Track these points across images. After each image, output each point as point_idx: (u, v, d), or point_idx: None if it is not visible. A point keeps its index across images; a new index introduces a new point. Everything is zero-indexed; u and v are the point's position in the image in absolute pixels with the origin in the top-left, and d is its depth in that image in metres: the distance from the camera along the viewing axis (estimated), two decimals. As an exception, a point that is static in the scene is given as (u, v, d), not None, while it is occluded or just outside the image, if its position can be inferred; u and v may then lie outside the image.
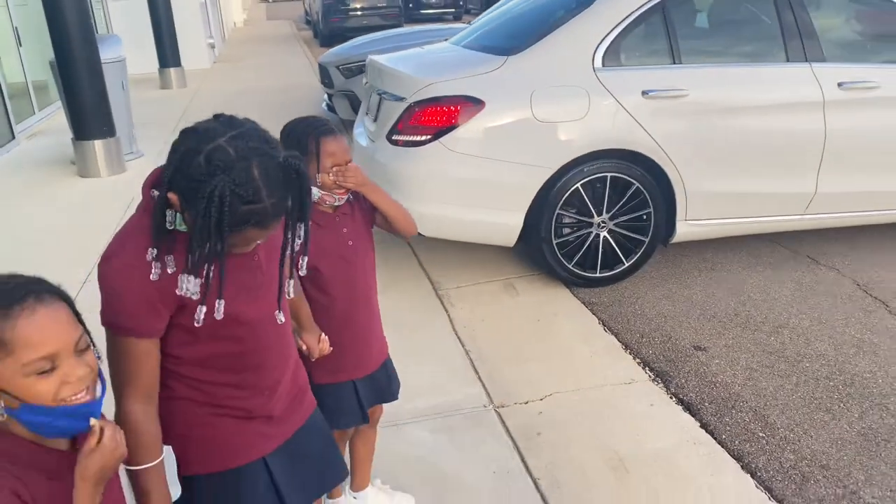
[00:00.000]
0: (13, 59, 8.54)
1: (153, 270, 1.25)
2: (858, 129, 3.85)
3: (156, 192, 1.29)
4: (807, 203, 3.94)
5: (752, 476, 2.46)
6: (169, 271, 1.27)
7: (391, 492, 2.36)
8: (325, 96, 7.91)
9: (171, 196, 1.24)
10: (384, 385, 2.11)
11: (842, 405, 2.85)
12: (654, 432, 2.70)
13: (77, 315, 1.11)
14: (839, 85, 3.81)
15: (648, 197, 3.76)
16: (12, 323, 1.02)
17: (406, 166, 3.65)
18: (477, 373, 3.11)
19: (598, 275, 3.88)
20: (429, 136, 3.57)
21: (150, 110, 9.23)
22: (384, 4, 17.68)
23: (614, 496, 2.38)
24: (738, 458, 2.55)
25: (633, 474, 2.48)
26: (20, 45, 8.67)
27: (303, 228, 1.34)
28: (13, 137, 7.72)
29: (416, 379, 3.02)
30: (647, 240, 3.86)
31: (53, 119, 8.90)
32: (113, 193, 5.81)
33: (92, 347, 1.12)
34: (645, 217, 3.81)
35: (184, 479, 1.41)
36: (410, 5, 21.41)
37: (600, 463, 2.54)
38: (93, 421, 1.08)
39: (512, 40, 3.87)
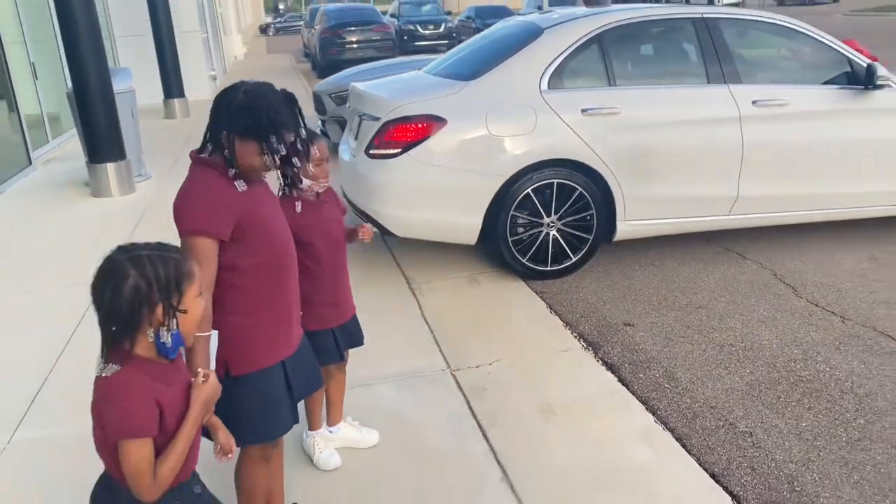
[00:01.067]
0: (30, 91, 9.25)
1: (236, 184, 1.90)
2: (772, 140, 4.47)
3: (218, 139, 1.90)
4: (730, 205, 4.54)
5: (654, 414, 3.03)
6: (240, 189, 1.91)
7: (359, 427, 2.92)
8: (319, 122, 8.59)
9: (224, 135, 1.87)
10: (355, 332, 2.72)
11: (738, 365, 3.43)
12: (580, 386, 3.27)
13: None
14: (753, 102, 4.44)
15: (591, 200, 4.37)
16: (190, 260, 1.55)
17: (381, 176, 4.27)
18: (439, 346, 3.69)
19: (549, 268, 4.47)
20: (400, 150, 4.20)
21: (155, 137, 9.89)
22: (378, 38, 18.49)
23: (540, 430, 2.95)
24: (644, 402, 3.13)
25: (558, 416, 3.05)
26: (36, 78, 9.37)
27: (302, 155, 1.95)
28: (30, 163, 8.38)
29: (387, 351, 3.60)
30: (591, 238, 4.46)
31: (65, 147, 9.59)
32: (124, 211, 6.42)
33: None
34: (588, 218, 4.41)
35: (228, 379, 2.00)
36: (405, 38, 22.29)
37: (533, 409, 3.11)
38: (202, 370, 1.67)
39: (471, 68, 4.52)
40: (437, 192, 4.24)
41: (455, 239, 4.43)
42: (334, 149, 7.89)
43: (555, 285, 4.44)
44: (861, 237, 5.02)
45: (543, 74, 4.33)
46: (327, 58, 17.83)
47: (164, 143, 9.48)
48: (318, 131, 8.60)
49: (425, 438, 2.93)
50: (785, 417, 2.99)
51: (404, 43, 21.71)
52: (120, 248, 1.50)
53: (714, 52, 4.50)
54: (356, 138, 4.71)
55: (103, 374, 1.49)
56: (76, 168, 8.18)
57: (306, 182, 2.43)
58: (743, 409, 3.06)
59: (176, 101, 12.25)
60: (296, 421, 2.18)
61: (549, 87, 4.31)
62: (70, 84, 6.89)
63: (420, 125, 4.19)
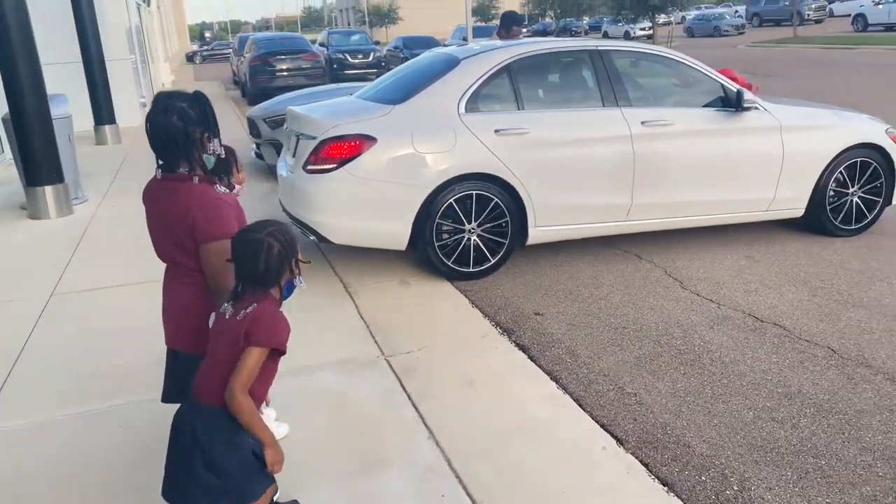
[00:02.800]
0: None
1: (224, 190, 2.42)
2: (659, 155, 5.17)
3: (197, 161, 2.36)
4: (626, 212, 5.21)
5: (556, 382, 3.59)
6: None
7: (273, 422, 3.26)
8: (254, 145, 8.98)
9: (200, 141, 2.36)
10: None
11: (629, 342, 4.03)
12: (495, 363, 3.80)
13: None
14: (642, 123, 5.13)
15: (505, 209, 4.95)
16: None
17: (318, 189, 4.74)
18: (374, 337, 4.16)
19: (471, 269, 5.02)
20: (335, 165, 4.69)
21: (89, 163, 10.05)
22: (308, 66, 18.89)
23: (462, 398, 3.45)
24: (549, 374, 3.68)
25: (477, 386, 3.56)
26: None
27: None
28: (-37, 187, 8.45)
29: (327, 344, 4.05)
30: (507, 242, 5.04)
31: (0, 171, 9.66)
32: (64, 232, 6.66)
33: None
34: (504, 224, 4.99)
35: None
36: (335, 66, 22.81)
37: (456, 383, 3.62)
38: None
39: (398, 94, 5.07)
40: (370, 203, 4.74)
41: (387, 245, 4.92)
42: (270, 170, 8.30)
43: (476, 284, 4.99)
44: (741, 239, 5.78)
45: (461, 99, 4.91)
46: (258, 85, 18.10)
47: (99, 168, 9.68)
48: (253, 154, 9.02)
49: (364, 410, 3.39)
50: (664, 381, 3.60)
51: (334, 71, 22.20)
52: (248, 230, 2.14)
53: (608, 80, 5.18)
54: (294, 156, 5.17)
55: (249, 309, 2.08)
56: (11, 193, 8.33)
57: (238, 188, 2.73)
58: (630, 377, 3.65)
59: (107, 128, 12.38)
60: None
61: (466, 111, 4.89)
62: (7, 109, 7.11)
63: (353, 143, 4.69)
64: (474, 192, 4.88)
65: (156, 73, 23.77)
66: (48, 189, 7.23)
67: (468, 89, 4.94)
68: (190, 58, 50.05)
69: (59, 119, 7.65)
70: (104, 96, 12.42)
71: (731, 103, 5.36)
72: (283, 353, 2.13)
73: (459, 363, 3.81)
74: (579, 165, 5.02)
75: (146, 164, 9.73)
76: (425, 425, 3.26)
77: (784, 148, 5.45)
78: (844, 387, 3.48)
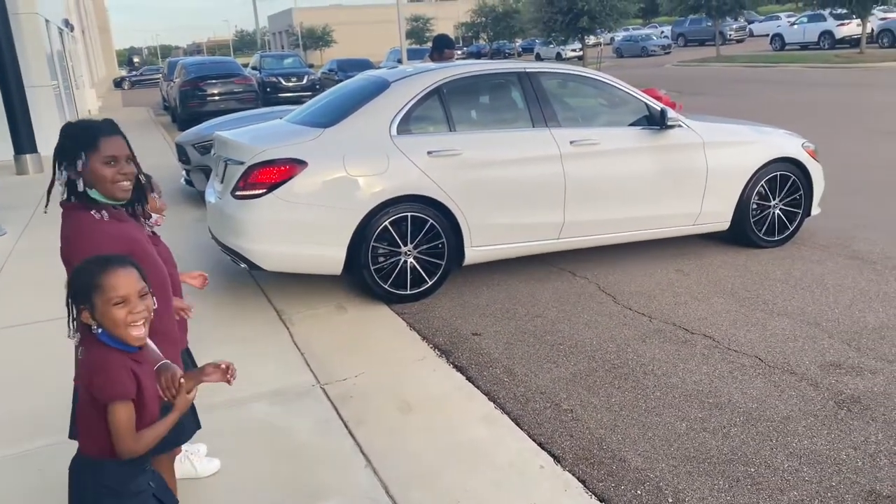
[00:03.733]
0: None
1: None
2: (588, 174, 5.27)
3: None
4: (559, 230, 5.28)
5: (494, 402, 3.59)
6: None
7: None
8: (184, 172, 8.77)
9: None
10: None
11: (565, 358, 4.07)
12: (433, 386, 3.78)
13: (143, 275, 1.92)
14: (571, 142, 5.23)
15: (441, 231, 4.96)
16: (104, 274, 1.83)
17: (248, 215, 4.65)
18: (309, 366, 4.09)
19: (408, 292, 4.99)
20: (264, 190, 4.61)
21: (8, 195, 9.65)
22: (240, 90, 18.65)
23: (399, 424, 3.41)
24: (486, 394, 3.68)
25: (415, 410, 3.53)
26: None
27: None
28: None
29: (260, 376, 3.95)
30: (443, 263, 5.04)
31: None
32: (-18, 264, 6.34)
33: (151, 296, 1.92)
34: (440, 246, 4.99)
35: None
36: (268, 90, 22.59)
37: (393, 408, 3.58)
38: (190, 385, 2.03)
39: (328, 117, 5.04)
40: (302, 228, 4.67)
41: (321, 270, 4.86)
42: (200, 197, 8.11)
43: (414, 306, 4.96)
44: (670, 253, 5.92)
45: (392, 121, 4.91)
46: (188, 110, 17.75)
47: (19, 200, 9.28)
48: (182, 181, 8.81)
49: (299, 441, 3.31)
50: (599, 396, 3.64)
51: (267, 95, 21.98)
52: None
53: (537, 101, 5.27)
54: (222, 182, 5.07)
55: (80, 354, 1.92)
56: (-77, 226, 7.89)
57: (154, 215, 2.63)
58: (566, 393, 3.68)
59: (28, 157, 11.92)
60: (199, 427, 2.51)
61: (398, 133, 4.90)
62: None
63: (283, 168, 4.63)
64: (409, 214, 4.87)
65: (81, 99, 23.09)
66: (-38, 222, 6.88)
67: (399, 111, 4.95)
68: (118, 84, 48.81)
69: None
70: (24, 124, 11.96)
71: (655, 121, 5.52)
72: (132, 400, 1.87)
73: (396, 388, 3.77)
74: (512, 185, 5.07)
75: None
76: (362, 453, 3.20)
77: (707, 164, 5.63)
78: (771, 394, 3.58)
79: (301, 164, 4.65)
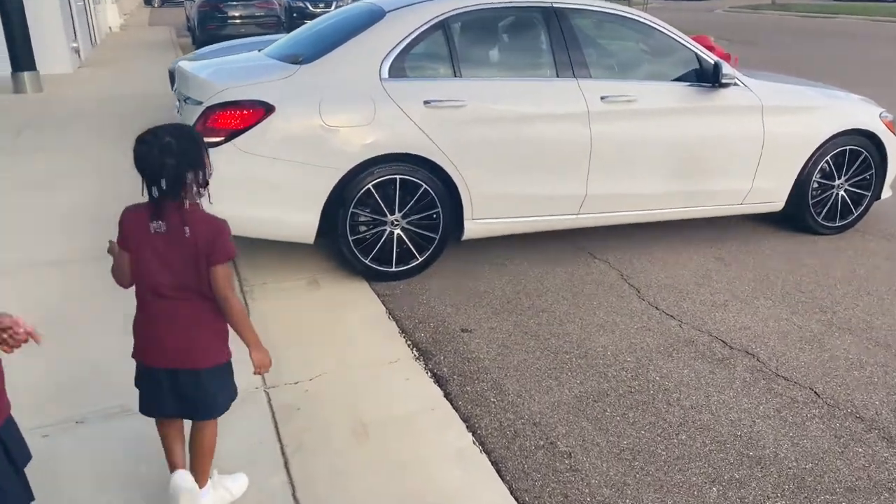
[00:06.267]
0: None
1: None
2: (619, 137, 4.36)
3: None
4: (579, 204, 4.42)
5: (473, 434, 2.83)
6: None
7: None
8: (177, 102, 7.95)
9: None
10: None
11: (569, 375, 3.28)
12: (401, 402, 3.02)
13: None
14: (602, 98, 4.31)
15: (436, 198, 4.13)
16: None
17: (203, 167, 3.85)
18: (258, 358, 3.35)
19: (393, 269, 4.21)
20: (222, 138, 3.80)
21: (-6, 115, 8.94)
22: (262, 13, 17.73)
23: (347, 454, 2.68)
24: (465, 420, 2.91)
25: (371, 436, 2.79)
26: None
27: None
28: None
29: (196, 364, 3.22)
30: (437, 237, 4.22)
31: None
32: (-67, 197, 5.67)
33: None
34: (434, 216, 4.17)
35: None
36: (294, 15, 21.44)
37: (346, 429, 2.84)
38: None
39: (307, 51, 4.16)
40: (267, 187, 3.87)
41: (290, 237, 4.08)
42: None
43: (399, 287, 4.18)
44: (710, 237, 5.04)
45: (384, 61, 4.03)
46: (206, 33, 16.89)
47: (4, 122, 8.57)
48: (176, 112, 8.00)
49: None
50: (608, 434, 2.85)
51: (293, 21, 20.86)
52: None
53: (564, 44, 4.33)
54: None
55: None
56: None
57: None
58: (566, 426, 2.90)
59: (26, 75, 11.13)
60: (31, 498, 1.76)
61: (390, 76, 4.02)
62: None
63: (245, 111, 3.80)
64: (398, 177, 4.04)
65: (101, 16, 22.16)
66: (-79, 147, 6.19)
67: (393, 49, 4.05)
68: (148, 1, 47.59)
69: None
70: (22, 39, 11.15)
71: (707, 77, 4.56)
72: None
73: (356, 400, 3.02)
74: (525, 147, 4.20)
75: (64, 119, 8.66)
76: (293, 496, 2.48)
77: (765, 132, 4.68)
78: (831, 450, 2.77)
79: (268, 108, 3.82)
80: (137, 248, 2.07)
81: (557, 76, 4.31)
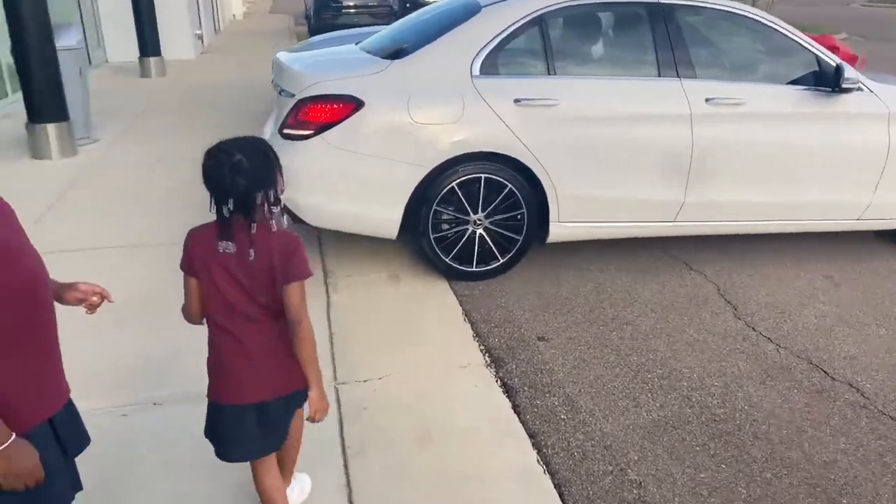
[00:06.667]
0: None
1: None
2: (725, 142, 4.08)
3: None
4: (676, 211, 4.18)
5: (538, 451, 2.71)
6: None
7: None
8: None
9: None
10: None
11: (649, 396, 3.09)
12: (467, 411, 2.94)
13: None
14: (707, 100, 4.04)
15: (521, 198, 4.01)
16: None
17: (291, 158, 3.88)
18: (332, 352, 3.36)
19: (474, 269, 4.12)
20: (312, 132, 3.83)
21: (119, 99, 9.49)
22: (375, 3, 17.98)
23: (408, 462, 2.63)
24: (531, 436, 2.80)
25: (434, 445, 2.72)
26: (-5, 29, 8.95)
27: None
28: (-21, 118, 8.01)
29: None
30: (520, 238, 4.10)
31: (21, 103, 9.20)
32: (59, 175, 6.07)
33: None
34: (519, 217, 4.05)
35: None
36: (408, 6, 21.66)
37: (409, 434, 2.79)
38: None
39: (401, 46, 4.12)
40: (353, 181, 3.88)
41: (373, 232, 4.07)
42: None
43: (479, 288, 4.10)
44: (819, 253, 4.65)
45: (476, 57, 3.93)
46: (321, 22, 17.33)
47: (125, 106, 9.08)
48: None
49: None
50: (684, 465, 2.66)
51: (407, 11, 21.07)
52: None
53: (668, 43, 4.09)
54: (277, 115, 4.33)
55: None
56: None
57: None
58: (639, 453, 2.73)
59: (151, 60, 11.79)
60: (78, 489, 1.78)
61: (481, 73, 3.92)
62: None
63: (335, 105, 3.81)
64: (483, 176, 3.95)
65: (226, 3, 23.19)
66: (50, 127, 6.63)
67: (486, 45, 3.95)
68: (273, -11, 49.37)
69: (69, 50, 7.02)
70: (150, 26, 11.81)
71: (826, 81, 4.19)
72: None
73: (422, 405, 2.97)
74: (620, 150, 4.00)
75: (180, 104, 9.09)
76: (349, 499, 2.46)
77: (891, 142, 4.26)
78: (941, 507, 2.47)
79: (358, 102, 3.81)
80: (207, 270, 1.92)
81: (659, 76, 4.07)
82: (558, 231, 4.13)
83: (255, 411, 1.97)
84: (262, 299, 1.92)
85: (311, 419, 2.00)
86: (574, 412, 2.98)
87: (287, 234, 1.93)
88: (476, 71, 3.91)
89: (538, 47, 4.01)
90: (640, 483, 2.57)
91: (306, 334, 1.93)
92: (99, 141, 7.35)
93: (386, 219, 3.98)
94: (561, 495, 2.49)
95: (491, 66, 3.94)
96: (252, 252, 1.87)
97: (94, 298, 1.87)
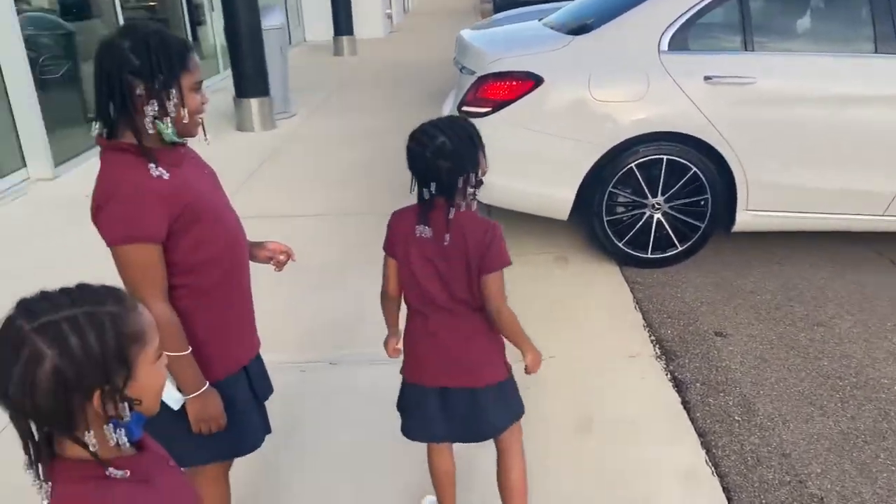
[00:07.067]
0: (206, 23, 9.81)
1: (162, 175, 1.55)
2: (954, 128, 3.57)
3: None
4: (886, 204, 3.73)
5: (707, 452, 2.56)
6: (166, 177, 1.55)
7: None
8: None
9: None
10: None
11: (839, 405, 2.80)
12: (633, 402, 2.83)
13: None
14: (934, 80, 3.55)
15: (706, 183, 3.77)
16: (138, 313, 1.02)
17: (468, 136, 3.94)
18: (498, 329, 3.38)
19: (648, 255, 3.96)
20: (490, 109, 3.84)
21: (314, 76, 10.12)
22: (561, -21, 17.65)
23: (563, 448, 2.58)
24: (701, 435, 2.64)
25: (594, 434, 2.66)
26: (212, 9, 9.87)
27: None
28: (196, 93, 8.90)
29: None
30: (703, 226, 3.87)
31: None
32: (259, 146, 6.62)
33: None
34: (702, 203, 3.82)
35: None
36: (595, -20, 21.07)
37: (570, 421, 2.74)
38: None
39: (585, 21, 4.00)
40: (527, 160, 3.85)
41: (544, 212, 4.03)
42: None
43: (652, 275, 3.93)
44: None
45: (665, 32, 3.72)
46: (505, -1, 17.30)
47: (319, 82, 9.67)
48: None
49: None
50: (875, 485, 2.40)
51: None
52: (23, 306, 0.96)
53: (890, 13, 3.63)
54: (457, 93, 4.39)
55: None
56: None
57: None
58: (823, 465, 2.49)
59: (344, 39, 12.44)
60: (268, 432, 1.95)
61: (670, 48, 3.71)
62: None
63: (514, 83, 3.79)
64: (665, 157, 3.75)
65: (416, -17, 23.86)
66: (253, 101, 7.23)
67: (677, 19, 3.72)
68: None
69: (272, 30, 7.58)
70: (344, 7, 12.45)
71: None
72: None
73: (585, 392, 2.91)
74: (825, 134, 3.63)
75: (369, 82, 9.53)
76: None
77: None
78: None
79: (537, 79, 3.76)
80: (404, 254, 1.89)
81: (876, 52, 3.63)
82: (746, 220, 3.84)
83: (437, 396, 1.95)
84: (456, 286, 1.85)
85: (528, 371, 1.98)
86: (750, 414, 2.77)
87: (485, 221, 1.86)
88: (664, 46, 3.71)
89: (735, 21, 3.72)
90: (822, 499, 2.34)
91: (507, 317, 1.85)
92: (296, 115, 7.90)
93: (558, 198, 3.91)
94: (729, 500, 2.34)
95: (681, 41, 3.72)
96: (448, 237, 1.81)
97: (281, 257, 1.98)
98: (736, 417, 2.76)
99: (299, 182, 5.50)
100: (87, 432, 0.96)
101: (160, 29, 1.56)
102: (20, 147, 5.61)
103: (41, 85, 5.69)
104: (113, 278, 1.05)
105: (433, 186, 1.79)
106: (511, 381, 2.01)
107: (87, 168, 6.11)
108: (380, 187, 5.12)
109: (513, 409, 2.04)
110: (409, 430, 2.05)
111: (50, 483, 0.96)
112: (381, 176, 5.39)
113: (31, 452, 0.96)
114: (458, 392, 1.93)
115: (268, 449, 1.95)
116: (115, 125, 1.57)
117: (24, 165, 5.65)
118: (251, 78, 7.20)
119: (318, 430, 2.70)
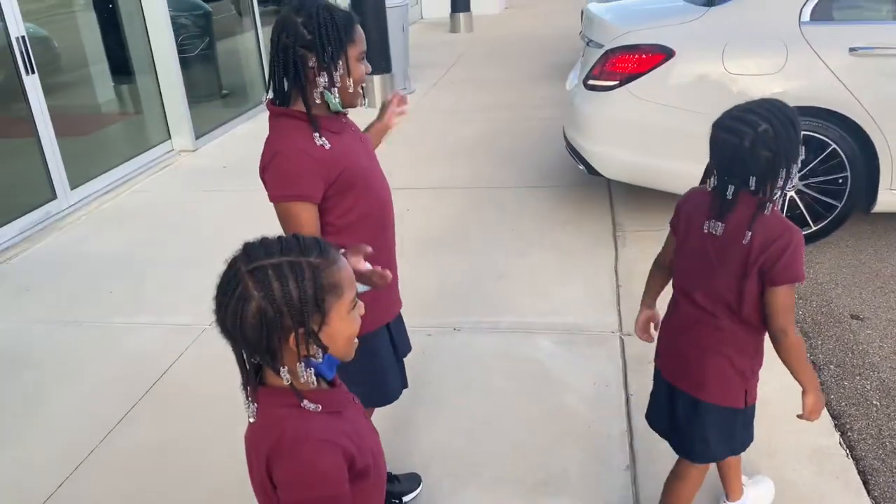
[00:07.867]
0: (335, 1, 10.12)
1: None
2: None
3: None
4: None
5: (842, 434, 2.48)
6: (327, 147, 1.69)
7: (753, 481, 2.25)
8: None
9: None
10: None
11: None
12: (762, 380, 2.77)
13: None
14: None
15: (845, 160, 3.60)
16: (338, 266, 1.11)
17: (593, 109, 3.93)
18: (618, 304, 3.39)
19: (779, 235, 3.82)
20: (617, 82, 3.81)
21: (431, 53, 10.26)
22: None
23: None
24: (835, 417, 2.57)
25: (720, 409, 2.63)
26: (336, -10, 10.18)
27: None
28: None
29: (559, 300, 3.40)
30: (840, 205, 3.70)
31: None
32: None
33: None
34: (840, 181, 3.65)
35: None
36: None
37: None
38: None
39: (723, -9, 3.87)
40: (653, 134, 3.80)
41: (668, 187, 3.96)
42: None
43: (782, 255, 3.79)
44: None
45: (807, 2, 3.56)
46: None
47: (437, 59, 9.80)
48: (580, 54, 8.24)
49: (564, 402, 2.74)
50: None
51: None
52: (245, 249, 1.10)
53: None
54: (582, 66, 4.38)
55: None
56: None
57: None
58: (973, 459, 2.37)
59: (461, 16, 12.51)
60: (405, 386, 2.09)
61: (812, 19, 3.54)
62: (347, -2, 7.37)
63: (644, 56, 3.74)
64: (801, 133, 3.60)
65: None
66: (376, 78, 7.45)
67: (823, -12, 3.55)
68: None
69: (395, 7, 7.75)
70: (462, -17, 12.50)
71: None
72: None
73: (710, 367, 2.87)
74: (984, 108, 3.38)
75: (485, 58, 9.58)
76: (630, 446, 2.51)
77: None
78: None
79: (667, 52, 3.69)
80: (683, 239, 1.77)
81: None
82: (889, 199, 3.65)
83: (668, 389, 1.87)
84: (724, 292, 1.68)
85: (804, 416, 1.78)
86: (889, 399, 2.66)
87: (783, 223, 1.62)
88: (806, 17, 3.55)
89: (886, -12, 3.51)
90: (969, 490, 2.24)
91: (792, 346, 1.65)
92: (414, 91, 8.06)
93: (683, 174, 3.83)
94: (865, 483, 2.27)
95: (824, 10, 3.55)
96: (749, 235, 1.59)
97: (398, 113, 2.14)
98: (874, 402, 2.66)
99: (417, 156, 5.64)
100: (282, 367, 1.09)
101: (328, 4, 1.69)
102: (166, 121, 6.06)
103: (182, 63, 6.11)
104: (246, 236, 1.15)
105: (752, 182, 1.58)
106: (744, 414, 1.85)
107: (223, 141, 6.52)
108: (492, 162, 5.20)
109: (735, 443, 1.89)
110: (648, 409, 2.02)
111: (255, 405, 1.11)
112: (495, 152, 5.46)
113: (243, 377, 1.12)
114: (683, 395, 1.82)
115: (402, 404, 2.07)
116: (287, 94, 1.72)
117: (169, 138, 6.10)
118: (374, 54, 7.39)
119: (443, 393, 2.82)
